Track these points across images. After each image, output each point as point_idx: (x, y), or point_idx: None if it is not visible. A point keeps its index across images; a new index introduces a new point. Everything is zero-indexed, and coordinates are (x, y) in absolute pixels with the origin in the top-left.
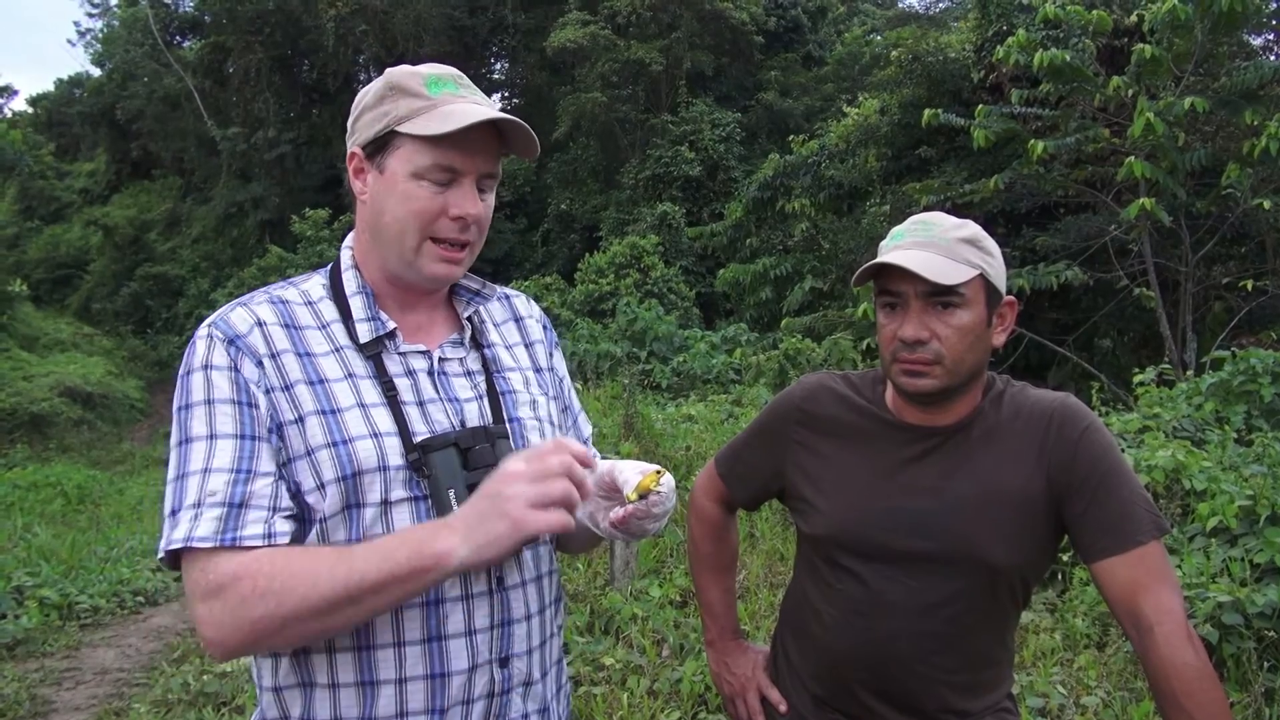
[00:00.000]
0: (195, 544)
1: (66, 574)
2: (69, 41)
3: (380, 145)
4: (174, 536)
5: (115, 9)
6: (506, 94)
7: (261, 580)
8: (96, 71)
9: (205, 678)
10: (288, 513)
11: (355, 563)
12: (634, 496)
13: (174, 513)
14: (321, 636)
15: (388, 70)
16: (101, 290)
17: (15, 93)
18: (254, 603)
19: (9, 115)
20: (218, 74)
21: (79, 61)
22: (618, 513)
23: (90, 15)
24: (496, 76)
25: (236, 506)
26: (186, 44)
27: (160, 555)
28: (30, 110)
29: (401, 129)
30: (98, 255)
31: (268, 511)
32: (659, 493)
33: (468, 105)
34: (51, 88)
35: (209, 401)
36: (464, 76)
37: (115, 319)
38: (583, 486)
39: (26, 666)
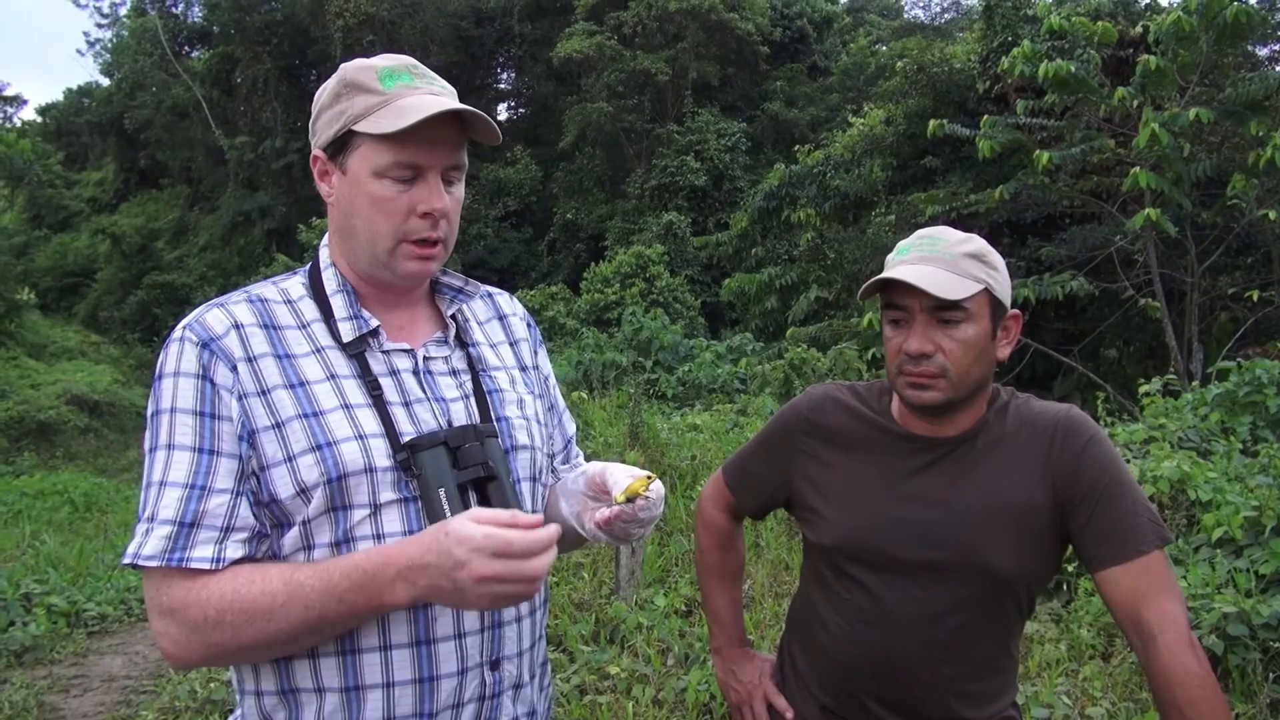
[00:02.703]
0: (140, 561)
1: (74, 581)
2: (78, 51)
3: (341, 145)
4: (128, 549)
5: (125, 19)
6: (513, 104)
7: (212, 611)
8: (105, 81)
9: (212, 685)
10: (244, 533)
11: (310, 600)
12: (621, 499)
13: (137, 520)
14: (276, 656)
15: (342, 66)
16: (109, 298)
17: (24, 102)
18: (207, 630)
19: (18, 124)
20: (225, 84)
21: (88, 71)
22: (603, 514)
23: (100, 25)
24: (503, 86)
25: (187, 526)
26: (195, 54)
27: (122, 563)
28: (39, 119)
29: (358, 128)
30: (105, 264)
31: (219, 532)
32: (647, 498)
33: (422, 97)
34: (60, 97)
35: (172, 410)
36: (419, 65)
37: (122, 327)
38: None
39: (35, 674)
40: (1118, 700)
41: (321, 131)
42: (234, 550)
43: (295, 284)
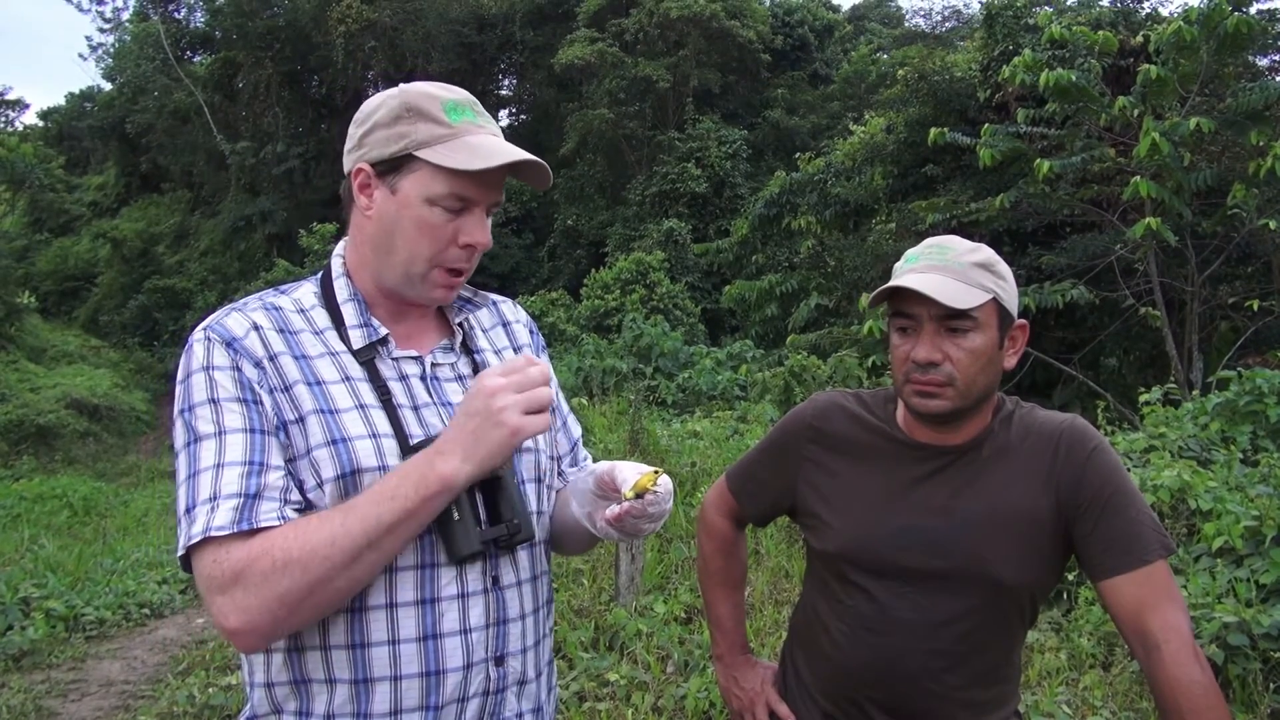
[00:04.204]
0: (214, 533)
1: (73, 586)
2: (80, 56)
3: (394, 165)
4: (193, 531)
5: (127, 24)
6: (514, 110)
7: (278, 553)
8: (107, 85)
9: (210, 690)
10: (298, 503)
11: (366, 510)
12: (630, 494)
13: (189, 510)
14: (344, 597)
15: (402, 88)
16: (109, 303)
17: (27, 106)
18: (277, 578)
19: (20, 129)
20: (227, 89)
21: (90, 76)
22: (613, 510)
23: (102, 30)
24: (504, 93)
25: (251, 497)
26: (197, 59)
27: (180, 553)
28: (41, 124)
29: (421, 154)
30: (106, 268)
31: (280, 503)
32: (655, 492)
33: (489, 139)
34: (62, 101)
35: (214, 400)
36: (477, 101)
37: (122, 331)
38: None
39: (32, 678)
40: (1118, 709)
41: (375, 148)
42: (292, 515)
43: (307, 292)
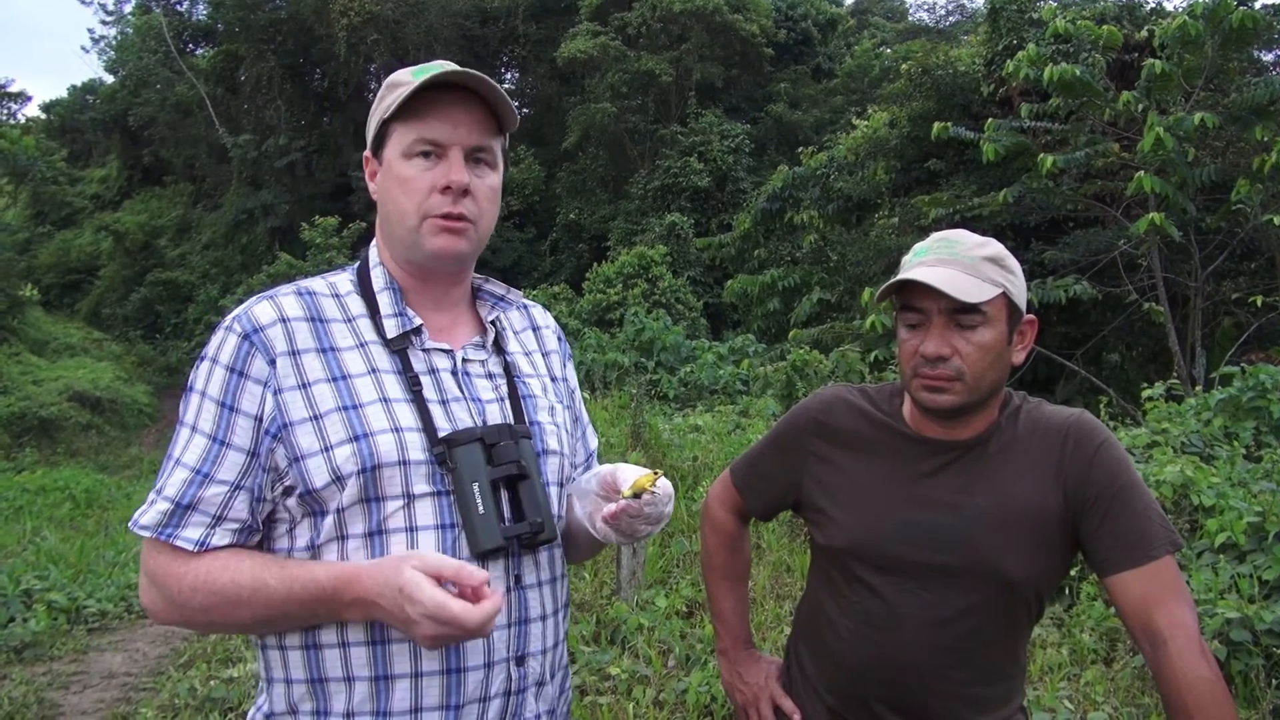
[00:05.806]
0: (137, 530)
1: (74, 578)
2: (83, 48)
3: (379, 140)
4: (135, 513)
5: (129, 17)
6: (516, 103)
7: (185, 589)
8: (110, 78)
9: (212, 683)
10: (234, 525)
11: (273, 601)
12: (628, 493)
13: (152, 488)
14: (251, 633)
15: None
16: (111, 295)
17: (29, 99)
18: (180, 603)
19: (23, 121)
20: (230, 82)
21: (92, 68)
22: (609, 509)
23: (104, 23)
24: (507, 86)
25: (183, 507)
26: (199, 52)
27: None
28: (43, 116)
29: (388, 117)
30: (108, 261)
31: (210, 519)
32: (653, 493)
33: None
34: (65, 94)
35: (202, 393)
36: (455, 65)
37: (125, 324)
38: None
39: (34, 670)
40: (1120, 705)
41: (370, 134)
42: (220, 538)
43: (344, 279)
